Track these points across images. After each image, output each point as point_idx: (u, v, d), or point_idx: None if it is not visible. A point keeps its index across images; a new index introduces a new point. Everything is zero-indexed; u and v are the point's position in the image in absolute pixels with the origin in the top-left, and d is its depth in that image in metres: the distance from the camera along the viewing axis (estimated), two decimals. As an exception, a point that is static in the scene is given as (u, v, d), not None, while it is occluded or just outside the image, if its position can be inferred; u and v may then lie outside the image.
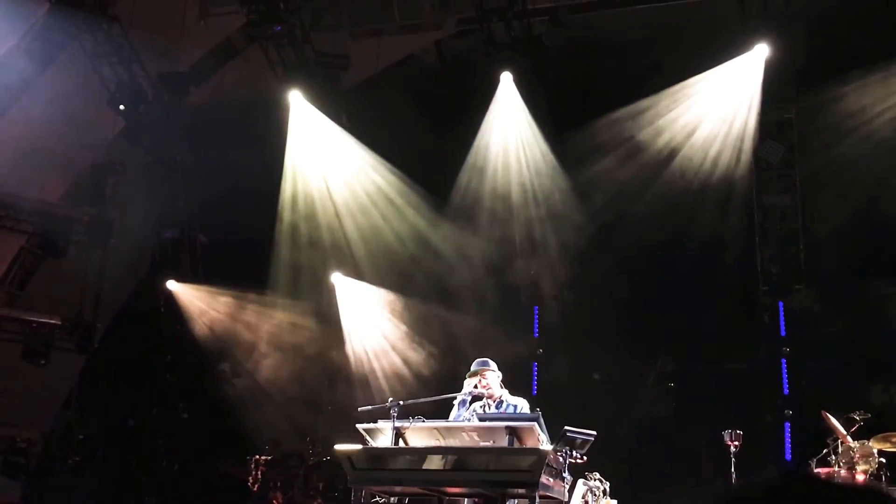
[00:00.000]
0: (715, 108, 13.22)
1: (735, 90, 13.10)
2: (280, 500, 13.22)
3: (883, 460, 9.48)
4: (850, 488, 1.73)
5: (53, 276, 16.33)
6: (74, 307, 16.23)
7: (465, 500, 7.56)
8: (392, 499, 7.62)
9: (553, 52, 13.78)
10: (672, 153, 13.31)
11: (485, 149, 14.13)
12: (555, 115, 14.03)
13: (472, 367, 8.27)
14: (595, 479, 7.99)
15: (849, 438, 9.65)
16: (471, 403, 8.12)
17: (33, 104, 14.92)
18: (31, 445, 16.05)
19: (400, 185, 14.71)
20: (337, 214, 15.05)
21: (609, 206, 13.34)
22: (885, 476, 9.45)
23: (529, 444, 6.83)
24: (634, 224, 13.18)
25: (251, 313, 15.80)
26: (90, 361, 16.67)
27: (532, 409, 7.79)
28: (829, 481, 1.68)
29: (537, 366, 14.15)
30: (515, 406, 8.09)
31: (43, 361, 15.70)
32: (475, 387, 8.10)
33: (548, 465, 6.71)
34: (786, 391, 12.62)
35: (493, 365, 8.30)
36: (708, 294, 12.87)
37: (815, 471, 9.45)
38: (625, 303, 13.25)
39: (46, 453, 16.20)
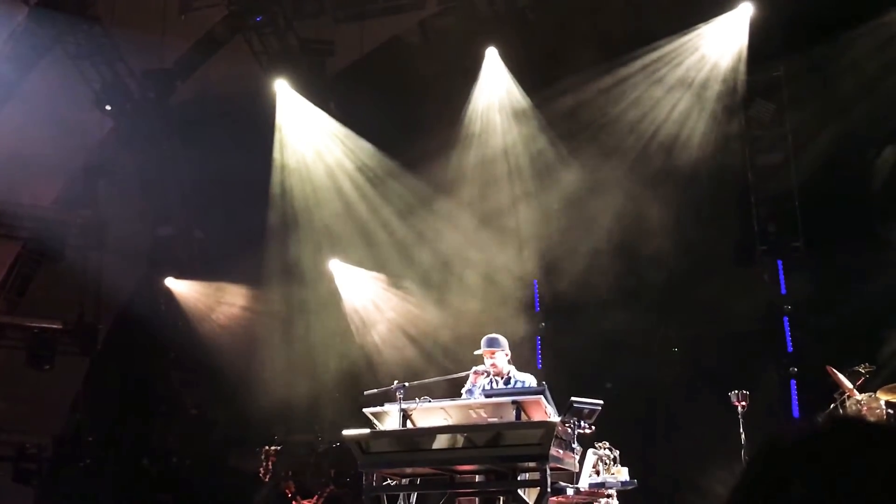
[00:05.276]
0: (702, 70, 13.17)
1: (721, 50, 13.04)
2: (292, 489, 13.26)
3: (891, 411, 9.48)
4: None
5: (52, 281, 16.32)
6: (75, 310, 16.24)
7: (477, 476, 7.56)
8: (404, 480, 7.63)
9: (538, 24, 13.70)
10: (661, 117, 13.27)
11: (473, 124, 14.10)
12: (542, 86, 13.98)
13: (482, 346, 8.25)
14: (605, 448, 7.98)
15: (855, 392, 9.64)
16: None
17: (19, 110, 14.84)
18: (42, 451, 16.09)
19: (391, 168, 14.68)
20: (329, 200, 15.02)
21: (602, 174, 13.29)
22: (894, 427, 9.43)
23: (537, 417, 6.83)
24: (629, 191, 13.15)
25: (250, 305, 15.80)
26: (95, 363, 16.68)
27: (539, 383, 7.79)
28: (876, 422, 1.65)
29: (540, 340, 14.15)
30: (523, 382, 8.09)
31: (48, 366, 15.71)
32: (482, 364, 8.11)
33: (557, 437, 6.71)
34: (790, 349, 12.63)
35: (502, 342, 8.27)
36: (707, 257, 12.86)
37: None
38: (624, 270, 13.21)
39: (57, 458, 16.24)
